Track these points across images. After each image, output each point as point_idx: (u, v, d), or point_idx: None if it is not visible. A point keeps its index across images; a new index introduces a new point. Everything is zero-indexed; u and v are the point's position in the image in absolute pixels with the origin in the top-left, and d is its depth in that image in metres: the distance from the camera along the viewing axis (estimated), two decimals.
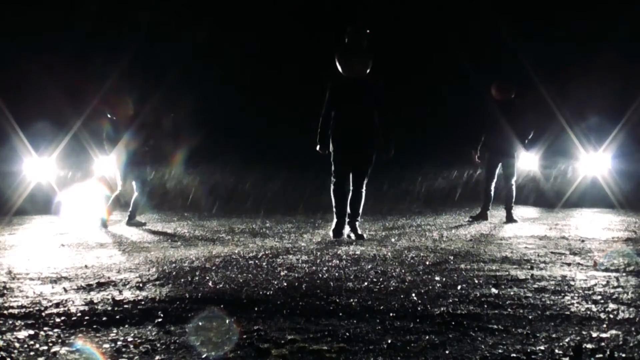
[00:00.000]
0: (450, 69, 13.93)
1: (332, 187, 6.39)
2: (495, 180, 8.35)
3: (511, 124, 8.04)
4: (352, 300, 3.49)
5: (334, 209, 6.40)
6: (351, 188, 6.32)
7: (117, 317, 3.13)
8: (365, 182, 6.35)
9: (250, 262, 4.96)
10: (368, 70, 6.19)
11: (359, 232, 6.40)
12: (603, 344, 2.62)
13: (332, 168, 6.36)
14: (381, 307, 3.30)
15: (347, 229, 6.38)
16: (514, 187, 8.29)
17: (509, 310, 3.23)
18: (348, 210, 6.33)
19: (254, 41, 14.75)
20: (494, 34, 13.40)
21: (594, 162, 10.93)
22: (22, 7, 13.41)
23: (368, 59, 6.18)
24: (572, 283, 3.94)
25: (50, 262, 5.01)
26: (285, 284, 4.01)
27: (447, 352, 2.53)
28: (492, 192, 8.37)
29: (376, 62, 6.23)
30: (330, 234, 6.44)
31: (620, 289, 3.72)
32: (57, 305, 3.41)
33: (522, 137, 8.16)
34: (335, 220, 6.40)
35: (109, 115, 7.90)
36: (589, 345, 2.59)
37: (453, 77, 13.79)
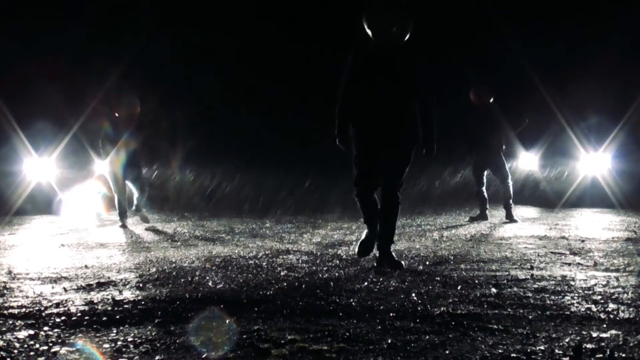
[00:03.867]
0: (451, 70, 13.93)
1: (355, 193, 4.74)
2: (485, 182, 8.39)
3: (492, 127, 8.10)
4: (352, 300, 3.49)
5: (363, 218, 4.87)
6: (382, 197, 4.73)
7: (117, 317, 3.13)
8: (401, 184, 4.70)
9: (250, 262, 4.96)
10: (407, 37, 4.61)
11: (395, 258, 4.70)
12: (603, 344, 2.62)
13: (355, 172, 4.70)
14: (381, 307, 3.30)
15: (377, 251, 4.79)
16: (510, 187, 8.30)
17: (509, 310, 3.23)
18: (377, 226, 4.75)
19: (250, 43, 14.75)
20: (495, 35, 13.40)
21: (594, 162, 10.94)
22: (23, 8, 13.42)
23: (407, 18, 4.58)
24: (572, 283, 3.94)
25: (50, 262, 5.01)
26: (285, 284, 4.01)
27: (447, 352, 2.53)
28: (485, 194, 8.40)
29: (417, 29, 4.65)
30: (356, 250, 4.95)
31: (620, 289, 3.72)
32: (57, 305, 3.41)
33: (502, 139, 8.22)
34: (365, 231, 4.87)
35: (115, 114, 7.91)
36: (589, 345, 2.59)
37: (454, 78, 13.79)
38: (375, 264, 4.67)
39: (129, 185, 8.10)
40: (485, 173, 8.36)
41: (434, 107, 4.64)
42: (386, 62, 4.58)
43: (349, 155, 4.76)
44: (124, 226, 7.92)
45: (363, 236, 4.88)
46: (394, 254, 4.74)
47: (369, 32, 4.60)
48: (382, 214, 4.69)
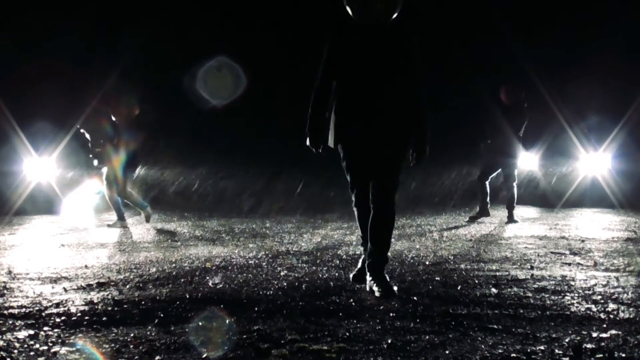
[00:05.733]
0: (451, 70, 13.93)
1: (354, 206, 3.97)
2: (489, 178, 8.38)
3: (517, 126, 8.07)
4: (352, 300, 3.49)
5: (362, 234, 4.01)
6: (371, 204, 3.84)
7: (117, 317, 3.13)
8: (394, 191, 3.84)
9: (250, 262, 4.96)
10: (395, 14, 3.79)
11: (388, 280, 3.76)
12: (603, 344, 2.62)
13: (348, 179, 3.92)
14: (381, 307, 3.30)
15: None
16: (515, 188, 8.30)
17: (509, 310, 3.23)
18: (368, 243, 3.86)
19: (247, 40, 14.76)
20: (495, 34, 13.40)
21: (594, 162, 10.94)
22: (23, 8, 13.42)
23: None
24: (572, 283, 3.94)
25: (50, 262, 5.01)
26: (285, 284, 4.01)
27: (447, 352, 2.53)
28: (487, 187, 8.40)
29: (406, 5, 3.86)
30: (351, 276, 4.10)
31: (620, 289, 3.72)
32: (57, 305, 3.41)
33: (524, 139, 8.20)
34: (363, 255, 4.05)
35: (112, 117, 7.92)
36: (589, 345, 2.59)
37: (454, 78, 13.80)
38: (374, 292, 3.66)
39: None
40: (495, 170, 8.33)
41: (427, 99, 3.87)
42: (372, 44, 3.78)
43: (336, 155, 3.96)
44: (124, 227, 7.92)
45: (361, 263, 4.03)
46: (386, 275, 3.83)
47: (348, 9, 3.81)
48: (373, 225, 3.80)
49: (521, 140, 8.20)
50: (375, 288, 3.65)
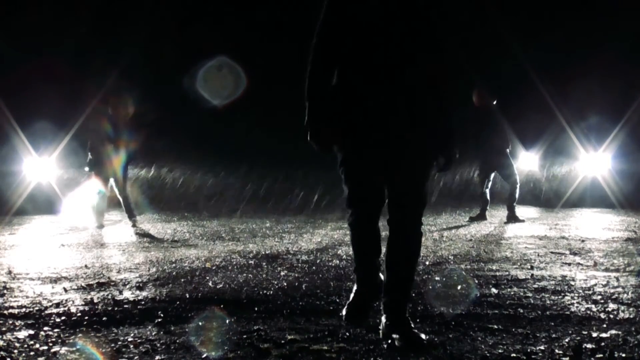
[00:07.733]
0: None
1: (349, 217, 2.92)
2: (490, 183, 8.39)
3: (495, 128, 8.09)
4: None
5: (355, 265, 3.03)
6: (388, 225, 2.82)
7: (117, 317, 3.13)
8: (422, 208, 2.79)
9: (250, 262, 4.96)
10: None
11: (412, 326, 2.71)
12: (603, 344, 2.62)
13: (345, 184, 2.89)
14: (381, 307, 3.29)
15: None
16: (517, 188, 8.28)
17: (509, 310, 3.23)
18: (381, 275, 2.94)
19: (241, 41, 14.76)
20: (495, 35, 13.40)
21: (594, 162, 10.95)
22: (23, 8, 13.42)
23: None
24: (572, 283, 3.94)
25: (50, 262, 5.01)
26: (285, 284, 4.01)
27: (447, 352, 2.53)
28: (488, 196, 8.40)
29: None
30: (343, 313, 2.99)
31: (620, 289, 3.72)
32: (57, 305, 3.41)
33: (503, 142, 8.19)
34: (354, 287, 3.04)
35: (109, 114, 7.92)
36: (589, 345, 2.59)
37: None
38: (380, 333, 2.74)
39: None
40: (492, 175, 8.36)
41: (457, 80, 2.99)
42: (383, 4, 2.75)
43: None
44: (134, 225, 7.91)
45: (352, 294, 3.02)
46: (410, 320, 2.76)
47: None
48: (392, 252, 2.80)
49: (500, 141, 8.21)
50: (394, 335, 2.64)
